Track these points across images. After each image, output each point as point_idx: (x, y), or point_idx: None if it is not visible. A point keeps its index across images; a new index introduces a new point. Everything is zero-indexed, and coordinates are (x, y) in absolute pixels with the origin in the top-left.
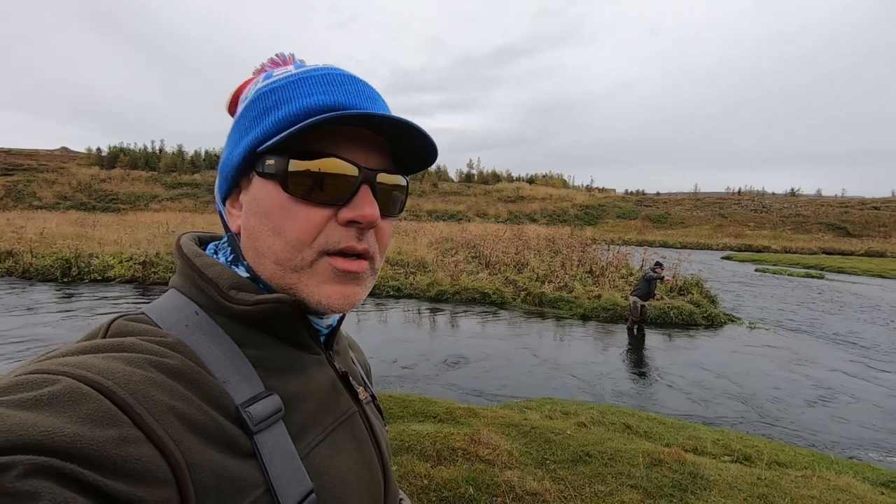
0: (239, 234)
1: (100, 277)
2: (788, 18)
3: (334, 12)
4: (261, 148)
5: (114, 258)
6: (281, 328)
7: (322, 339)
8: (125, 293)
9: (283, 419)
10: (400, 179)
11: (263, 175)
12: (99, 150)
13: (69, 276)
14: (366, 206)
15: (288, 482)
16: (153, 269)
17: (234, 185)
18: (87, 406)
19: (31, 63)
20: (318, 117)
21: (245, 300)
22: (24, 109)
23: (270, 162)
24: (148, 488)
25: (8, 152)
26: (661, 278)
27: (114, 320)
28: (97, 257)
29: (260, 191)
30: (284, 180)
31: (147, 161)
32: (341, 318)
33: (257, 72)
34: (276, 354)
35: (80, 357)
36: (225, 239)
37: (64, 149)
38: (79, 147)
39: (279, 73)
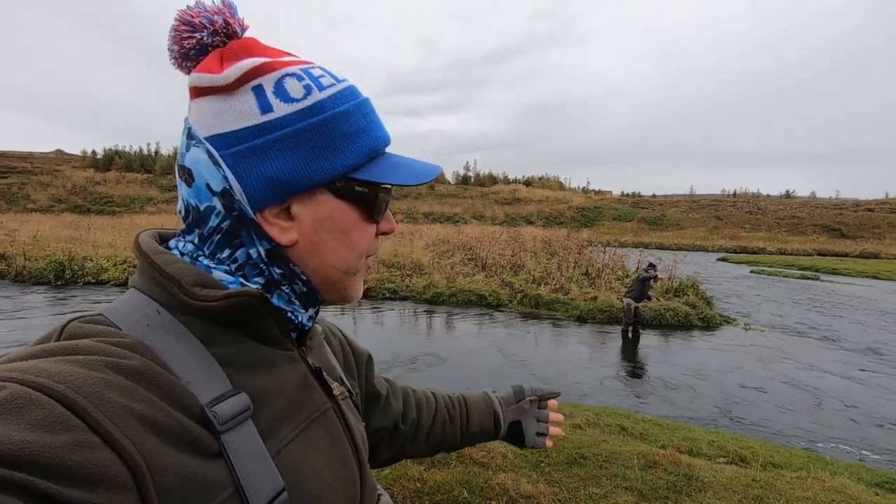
0: (288, 246)
1: (94, 280)
2: (787, 18)
3: (332, 13)
4: (355, 175)
5: (108, 261)
6: (249, 324)
7: (294, 335)
8: (119, 296)
9: (252, 417)
10: None
11: (342, 196)
12: (94, 152)
13: (63, 279)
14: (392, 219)
15: (258, 481)
16: None
17: (282, 198)
18: (37, 412)
19: (26, 64)
20: (426, 181)
21: (211, 296)
22: (19, 111)
23: (361, 189)
24: (107, 493)
25: (2, 154)
26: (655, 278)
27: (68, 322)
28: (91, 260)
29: (335, 209)
30: (371, 206)
31: (143, 163)
32: (316, 312)
33: (273, 61)
34: (244, 351)
35: (29, 362)
36: (210, 249)
37: (59, 151)
38: (73, 149)
39: (327, 81)
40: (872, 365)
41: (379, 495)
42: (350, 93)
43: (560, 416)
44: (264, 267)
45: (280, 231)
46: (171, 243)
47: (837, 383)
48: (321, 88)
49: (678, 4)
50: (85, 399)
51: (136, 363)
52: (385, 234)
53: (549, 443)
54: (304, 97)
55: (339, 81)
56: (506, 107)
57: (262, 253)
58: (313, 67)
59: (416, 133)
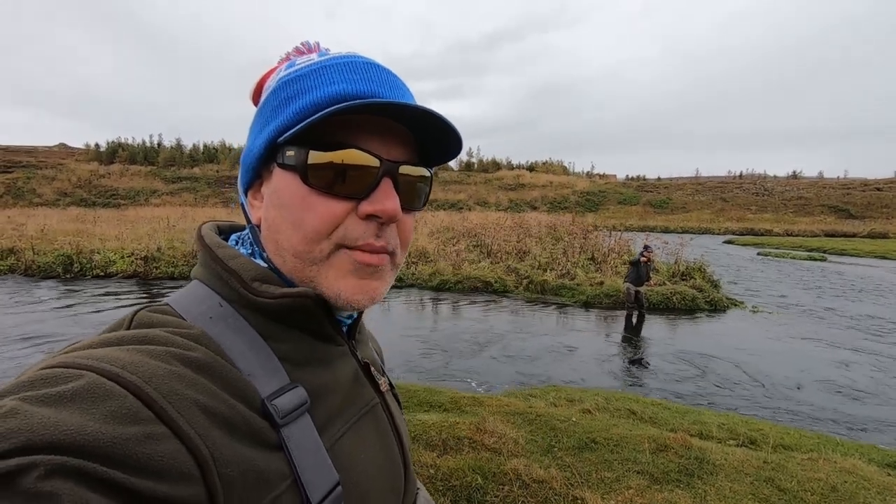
0: (259, 225)
1: (102, 273)
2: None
3: (329, 2)
4: (281, 139)
5: (115, 254)
6: (305, 321)
7: (345, 329)
8: (128, 288)
9: (308, 411)
10: (424, 171)
11: (284, 166)
12: (97, 145)
13: (71, 272)
14: (387, 199)
15: (315, 475)
16: (155, 265)
17: (256, 177)
18: (111, 402)
19: (29, 58)
20: (337, 107)
21: (268, 293)
22: (23, 105)
23: (290, 153)
24: (174, 485)
25: (6, 149)
26: (638, 261)
27: (137, 311)
28: (98, 253)
29: (280, 182)
30: (304, 172)
31: (146, 156)
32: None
33: (282, 61)
34: (301, 346)
35: (104, 350)
36: (247, 230)
37: (62, 145)
38: (77, 143)
39: (302, 61)
40: (881, 347)
41: (417, 489)
42: (319, 63)
43: None
44: (259, 250)
45: (254, 211)
46: (234, 236)
47: (847, 365)
48: (289, 67)
49: None
50: (155, 391)
51: (201, 355)
52: (375, 218)
53: None
54: (276, 81)
55: (322, 56)
56: (507, 92)
57: (250, 236)
58: (313, 55)
59: None
